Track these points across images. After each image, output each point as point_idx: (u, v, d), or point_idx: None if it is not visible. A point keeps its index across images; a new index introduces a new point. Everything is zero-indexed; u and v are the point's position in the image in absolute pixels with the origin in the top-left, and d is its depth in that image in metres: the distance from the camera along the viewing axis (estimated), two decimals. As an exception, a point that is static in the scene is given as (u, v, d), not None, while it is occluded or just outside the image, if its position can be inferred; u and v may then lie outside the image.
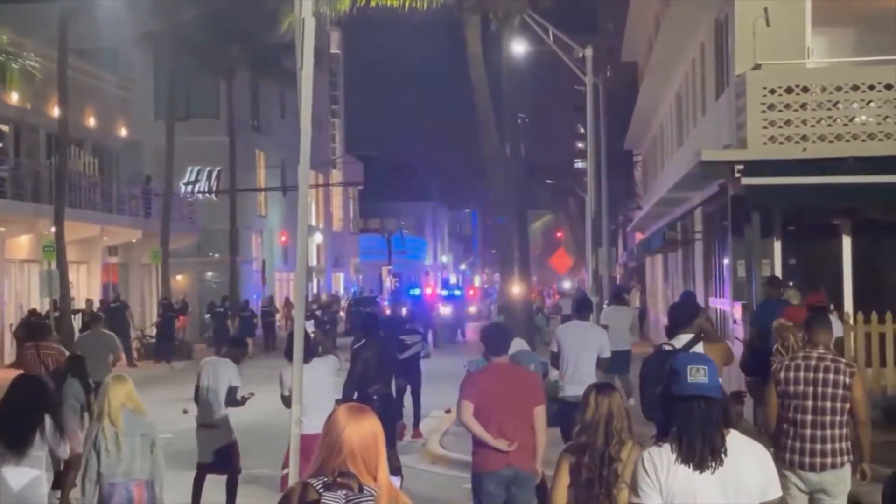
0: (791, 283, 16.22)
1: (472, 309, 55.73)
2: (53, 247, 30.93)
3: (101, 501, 8.88)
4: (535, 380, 9.41)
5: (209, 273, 49.58)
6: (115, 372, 10.46)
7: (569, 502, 6.52)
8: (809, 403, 8.38)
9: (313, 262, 58.59)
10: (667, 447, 4.86)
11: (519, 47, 31.14)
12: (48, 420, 8.28)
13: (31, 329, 15.90)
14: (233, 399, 12.33)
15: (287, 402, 10.82)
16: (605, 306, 24.74)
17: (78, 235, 34.68)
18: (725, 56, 20.97)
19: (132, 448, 8.93)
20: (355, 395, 12.85)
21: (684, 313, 9.20)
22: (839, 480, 8.36)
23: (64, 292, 31.22)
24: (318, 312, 39.77)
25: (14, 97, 33.38)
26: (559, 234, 61.45)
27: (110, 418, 8.85)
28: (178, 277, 45.71)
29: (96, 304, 33.98)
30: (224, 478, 12.63)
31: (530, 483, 9.11)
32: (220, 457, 12.38)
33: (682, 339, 8.84)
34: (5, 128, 35.63)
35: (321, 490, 4.27)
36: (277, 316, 45.18)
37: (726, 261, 21.63)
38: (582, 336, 12.94)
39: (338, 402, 11.21)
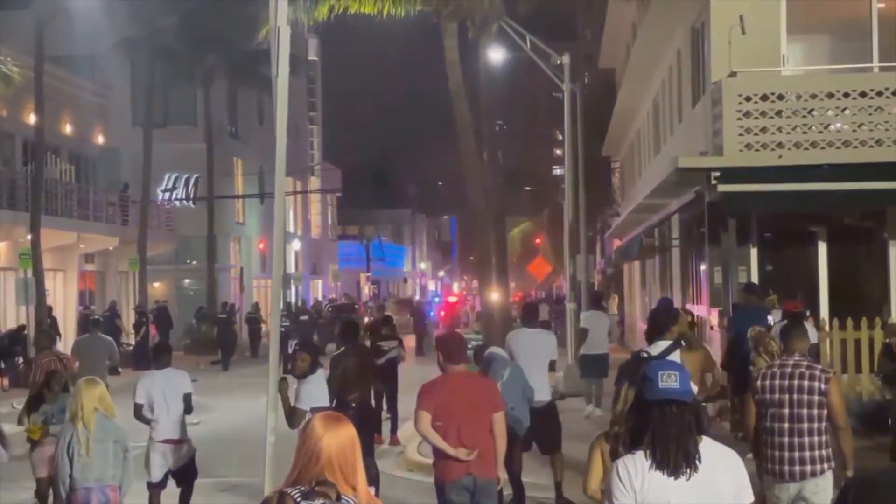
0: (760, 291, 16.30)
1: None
2: (29, 254, 30.78)
3: None
4: (492, 386, 9.40)
5: (187, 280, 49.42)
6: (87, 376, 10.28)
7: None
8: (786, 411, 8.37)
9: (291, 269, 58.46)
10: (640, 454, 4.85)
11: (497, 54, 31.20)
12: None
13: (48, 337, 15.73)
14: (189, 406, 11.95)
15: (299, 416, 10.63)
16: (582, 312, 24.79)
17: (54, 243, 34.51)
18: (702, 63, 21.08)
19: (105, 453, 8.96)
20: (333, 403, 12.80)
21: (663, 319, 9.23)
22: (819, 489, 8.30)
23: (40, 300, 31.06)
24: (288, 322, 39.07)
25: (-11, 105, 33.25)
26: (538, 241, 61.53)
27: (83, 422, 8.82)
28: (156, 285, 45.54)
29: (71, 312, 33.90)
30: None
31: (492, 490, 9.08)
32: (188, 470, 11.96)
33: (659, 346, 8.86)
34: (-19, 135, 35.51)
35: (299, 499, 4.25)
36: (264, 325, 45.01)
37: (703, 267, 21.72)
38: (531, 343, 13.10)
39: (313, 410, 11.17)
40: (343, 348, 13.89)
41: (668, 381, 4.87)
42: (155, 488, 11.84)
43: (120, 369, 33.37)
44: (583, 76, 38.30)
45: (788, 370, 8.47)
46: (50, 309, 35.44)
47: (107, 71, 44.27)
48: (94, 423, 8.87)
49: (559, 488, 13.00)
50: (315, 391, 11.00)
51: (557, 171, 62.61)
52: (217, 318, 38.44)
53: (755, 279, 18.16)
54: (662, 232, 28.40)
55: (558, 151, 61.69)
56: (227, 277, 50.17)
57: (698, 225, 21.67)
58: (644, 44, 27.35)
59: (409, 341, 39.82)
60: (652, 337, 9.18)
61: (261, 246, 54.48)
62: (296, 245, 60.91)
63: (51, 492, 12.47)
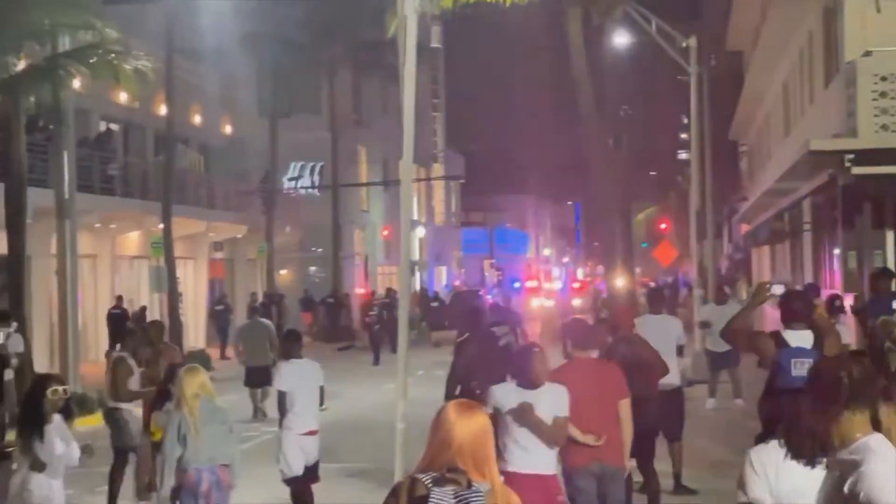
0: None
1: (577, 302, 55.36)
2: (161, 243, 31.44)
3: (189, 485, 9.18)
4: (618, 373, 9.27)
5: (312, 268, 50.04)
6: (189, 365, 10.40)
7: None
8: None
9: (415, 256, 58.79)
10: (774, 444, 4.74)
11: (621, 39, 30.89)
12: None
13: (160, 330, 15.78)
14: (322, 398, 11.64)
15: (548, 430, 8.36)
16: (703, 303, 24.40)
17: (184, 231, 35.21)
18: (835, 44, 20.57)
19: (215, 435, 9.27)
20: (458, 391, 12.78)
21: (802, 305, 8.75)
22: None
23: (172, 288, 31.71)
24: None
25: (123, 97, 34.00)
26: (663, 226, 60.83)
27: (188, 408, 9.21)
28: (282, 272, 46.20)
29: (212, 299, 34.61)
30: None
31: (620, 477, 9.03)
32: (317, 465, 11.58)
33: (801, 336, 8.40)
34: (115, 127, 36.36)
35: (430, 485, 4.26)
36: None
37: (837, 252, 21.23)
38: (657, 329, 12.91)
39: (445, 398, 11.07)
40: (467, 335, 13.82)
41: (801, 368, 4.75)
42: (299, 482, 11.43)
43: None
44: (709, 59, 37.69)
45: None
46: (223, 295, 36.82)
47: (233, 63, 44.97)
48: (197, 409, 9.21)
49: (678, 478, 12.85)
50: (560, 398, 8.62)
51: (683, 155, 61.76)
52: (382, 302, 38.02)
53: (891, 263, 17.66)
54: (793, 216, 27.85)
55: (684, 135, 60.88)
56: (352, 265, 50.67)
57: (831, 209, 21.17)
58: (774, 25, 26.81)
59: (535, 327, 39.72)
60: (791, 319, 8.74)
61: (385, 233, 54.88)
62: (420, 232, 61.22)
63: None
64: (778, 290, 9.05)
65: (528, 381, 8.24)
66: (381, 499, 4.42)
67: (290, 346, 11.85)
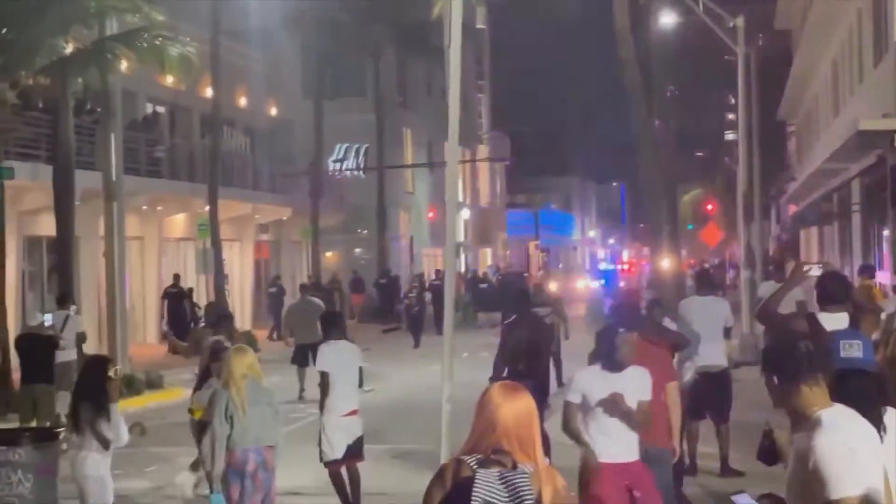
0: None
1: (622, 283, 55.20)
2: (207, 225, 31.60)
3: (235, 465, 9.21)
4: (665, 356, 9.18)
5: (357, 250, 50.14)
6: (238, 344, 10.42)
7: None
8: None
9: (461, 237, 58.76)
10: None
11: (668, 19, 30.62)
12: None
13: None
14: (361, 379, 11.59)
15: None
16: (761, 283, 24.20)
17: (231, 213, 35.36)
18: (884, 22, 20.31)
19: (261, 416, 9.29)
20: (505, 373, 12.76)
21: (837, 286, 8.64)
22: None
23: (218, 269, 31.88)
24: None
25: (169, 80, 34.14)
26: (709, 208, 60.44)
27: (236, 387, 9.22)
28: (328, 254, 46.33)
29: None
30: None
31: (666, 459, 8.99)
32: (360, 443, 11.50)
33: (836, 318, 8.30)
34: (162, 110, 36.55)
35: (475, 467, 4.27)
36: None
37: (886, 233, 21.01)
38: (704, 311, 12.88)
39: (490, 379, 11.03)
40: (514, 317, 13.77)
41: (851, 350, 4.71)
42: (337, 465, 11.32)
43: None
44: (757, 38, 37.31)
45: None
46: (277, 277, 38.10)
47: (278, 45, 45.06)
48: (244, 389, 9.21)
49: (725, 460, 12.78)
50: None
51: (730, 135, 61.24)
52: (432, 285, 38.03)
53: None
54: (842, 197, 27.57)
55: (731, 116, 60.38)
56: (398, 247, 50.74)
57: (881, 189, 20.95)
58: (823, 4, 26.51)
59: (578, 309, 39.62)
60: (826, 303, 8.64)
61: (430, 215, 54.88)
62: (465, 214, 61.19)
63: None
64: (816, 271, 8.89)
65: (614, 364, 8.05)
66: (427, 480, 4.43)
67: (329, 327, 11.80)
